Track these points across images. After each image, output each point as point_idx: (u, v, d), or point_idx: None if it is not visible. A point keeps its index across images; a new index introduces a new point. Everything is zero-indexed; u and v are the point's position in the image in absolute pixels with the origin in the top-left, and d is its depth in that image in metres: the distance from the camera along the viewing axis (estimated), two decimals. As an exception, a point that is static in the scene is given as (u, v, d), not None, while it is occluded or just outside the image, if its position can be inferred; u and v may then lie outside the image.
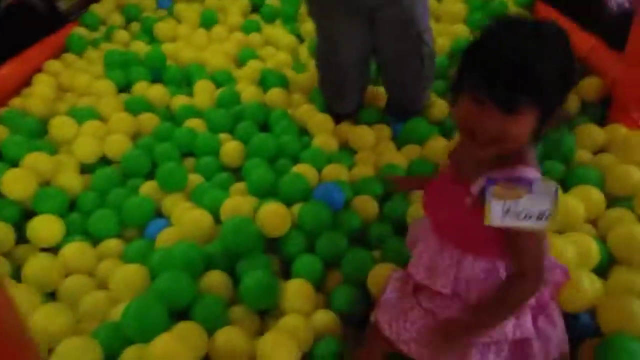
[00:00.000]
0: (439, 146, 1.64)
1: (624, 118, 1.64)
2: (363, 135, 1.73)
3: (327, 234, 1.33)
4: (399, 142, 1.74)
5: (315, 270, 1.27)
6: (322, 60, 1.75)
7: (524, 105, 0.71)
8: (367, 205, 1.44)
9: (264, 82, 2.10)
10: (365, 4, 1.55)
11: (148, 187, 1.57)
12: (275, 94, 1.96)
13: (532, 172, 0.76)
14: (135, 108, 1.92)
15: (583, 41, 1.93)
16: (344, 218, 1.38)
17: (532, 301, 0.87)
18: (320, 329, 1.15)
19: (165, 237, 1.37)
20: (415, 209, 1.37)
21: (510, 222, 0.74)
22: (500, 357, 0.87)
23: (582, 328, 1.02)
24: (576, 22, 2.03)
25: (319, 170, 1.59)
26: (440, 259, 0.88)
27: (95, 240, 1.45)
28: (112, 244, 1.42)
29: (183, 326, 1.10)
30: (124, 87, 2.13)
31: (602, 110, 1.77)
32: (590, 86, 1.81)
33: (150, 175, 1.64)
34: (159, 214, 1.53)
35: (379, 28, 1.60)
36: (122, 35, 2.49)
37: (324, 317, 1.17)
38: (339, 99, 1.79)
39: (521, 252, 0.80)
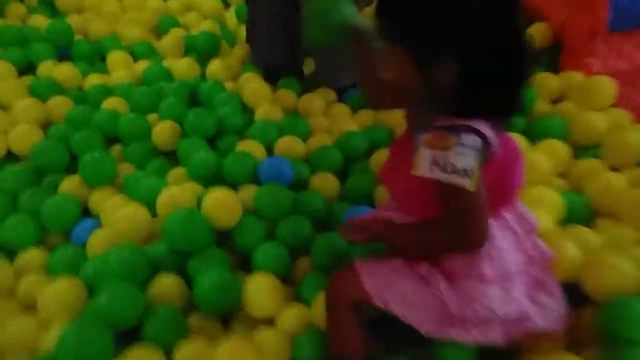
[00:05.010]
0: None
1: (577, 64, 1.60)
2: (312, 100, 1.59)
3: (290, 218, 1.18)
4: (352, 106, 1.61)
5: (280, 260, 1.12)
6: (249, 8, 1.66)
7: (390, 34, 0.74)
8: (327, 182, 1.31)
9: (190, 50, 1.89)
10: None
11: (69, 184, 1.33)
12: (214, 66, 1.76)
13: (473, 123, 0.70)
14: (42, 92, 1.64)
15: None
16: (305, 199, 1.24)
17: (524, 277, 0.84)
18: (294, 327, 1.00)
19: (98, 241, 1.16)
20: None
21: (436, 175, 0.70)
22: (495, 333, 0.82)
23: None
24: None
25: (269, 145, 1.44)
26: None
27: (10, 252, 1.21)
28: (33, 255, 1.18)
29: (137, 352, 0.91)
30: (25, 69, 1.83)
31: (552, 57, 1.71)
32: (537, 32, 1.74)
33: (70, 170, 1.40)
34: (85, 213, 1.31)
35: None
36: (17, 8, 2.13)
37: (297, 313, 1.02)
38: (268, 48, 1.69)
39: (452, 208, 0.74)
